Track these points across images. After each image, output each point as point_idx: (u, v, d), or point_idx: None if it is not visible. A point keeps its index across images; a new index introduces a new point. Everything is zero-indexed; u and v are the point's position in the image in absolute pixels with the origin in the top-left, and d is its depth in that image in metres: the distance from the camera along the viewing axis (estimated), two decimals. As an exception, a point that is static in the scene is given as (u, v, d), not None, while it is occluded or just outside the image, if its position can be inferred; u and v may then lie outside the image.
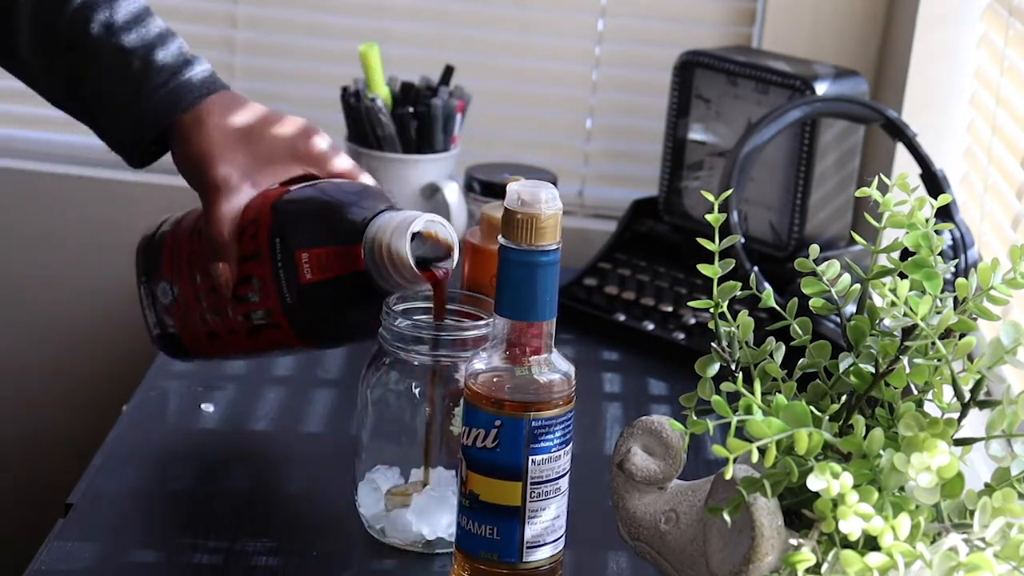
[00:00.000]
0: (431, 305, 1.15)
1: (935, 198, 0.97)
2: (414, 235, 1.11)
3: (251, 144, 1.16)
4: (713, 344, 0.98)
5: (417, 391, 1.13)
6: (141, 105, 1.15)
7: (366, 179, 1.19)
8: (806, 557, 0.84)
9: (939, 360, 0.89)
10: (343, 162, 1.19)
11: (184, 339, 1.22)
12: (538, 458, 1.03)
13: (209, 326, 1.19)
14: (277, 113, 1.19)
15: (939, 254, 0.92)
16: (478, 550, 1.05)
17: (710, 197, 0.99)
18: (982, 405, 0.90)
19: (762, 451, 0.84)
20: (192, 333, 1.21)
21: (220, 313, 1.18)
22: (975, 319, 0.90)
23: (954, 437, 0.89)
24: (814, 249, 0.97)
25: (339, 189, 1.16)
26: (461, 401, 1.05)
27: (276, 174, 1.17)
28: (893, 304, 0.89)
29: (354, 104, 1.60)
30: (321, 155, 1.18)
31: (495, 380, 1.03)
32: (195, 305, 1.19)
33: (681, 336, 1.53)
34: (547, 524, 1.05)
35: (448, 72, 1.65)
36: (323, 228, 1.13)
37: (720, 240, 0.98)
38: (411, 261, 1.10)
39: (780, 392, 0.94)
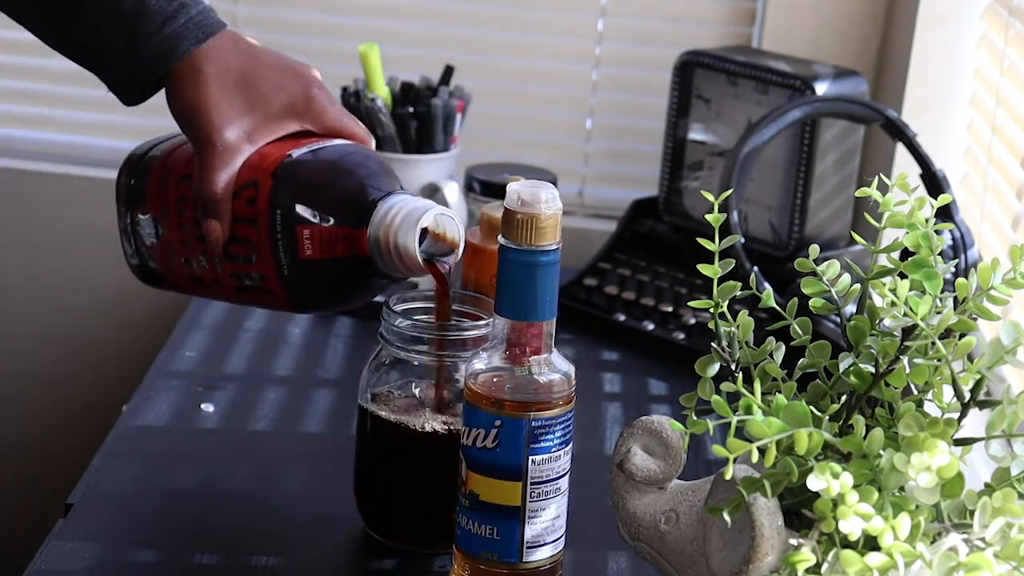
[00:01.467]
0: (432, 305, 1.15)
1: (935, 198, 0.97)
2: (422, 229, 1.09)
3: (250, 97, 1.12)
4: (713, 344, 0.98)
5: (417, 391, 1.14)
6: (135, 51, 1.10)
7: (363, 133, 1.15)
8: (806, 557, 0.84)
9: (939, 360, 0.89)
10: (342, 118, 1.15)
11: (165, 277, 1.18)
12: (538, 458, 1.03)
13: (194, 272, 1.15)
14: (278, 59, 1.14)
15: (939, 254, 0.92)
16: (478, 550, 1.05)
17: (710, 197, 0.99)
18: (982, 405, 0.90)
19: (762, 451, 0.84)
20: (175, 274, 1.17)
21: (208, 263, 1.14)
22: (975, 319, 0.90)
23: (954, 437, 0.89)
24: (814, 249, 0.97)
25: (344, 159, 1.12)
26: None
27: (274, 130, 1.12)
28: (893, 304, 0.89)
29: (354, 104, 1.60)
30: (321, 111, 1.14)
31: (495, 380, 1.03)
32: (180, 250, 1.15)
33: (681, 336, 1.53)
34: (547, 524, 1.05)
35: (448, 72, 1.65)
36: (327, 205, 1.09)
37: (720, 240, 0.98)
38: (418, 256, 1.08)
39: (780, 392, 0.94)
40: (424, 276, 1.11)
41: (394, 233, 1.08)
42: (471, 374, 1.04)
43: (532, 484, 1.04)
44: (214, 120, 1.10)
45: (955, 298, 0.91)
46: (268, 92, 1.12)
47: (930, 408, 0.91)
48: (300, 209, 1.09)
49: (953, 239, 1.38)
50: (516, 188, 1.01)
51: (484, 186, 1.61)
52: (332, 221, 1.09)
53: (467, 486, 1.05)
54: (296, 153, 1.11)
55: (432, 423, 1.12)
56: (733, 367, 0.97)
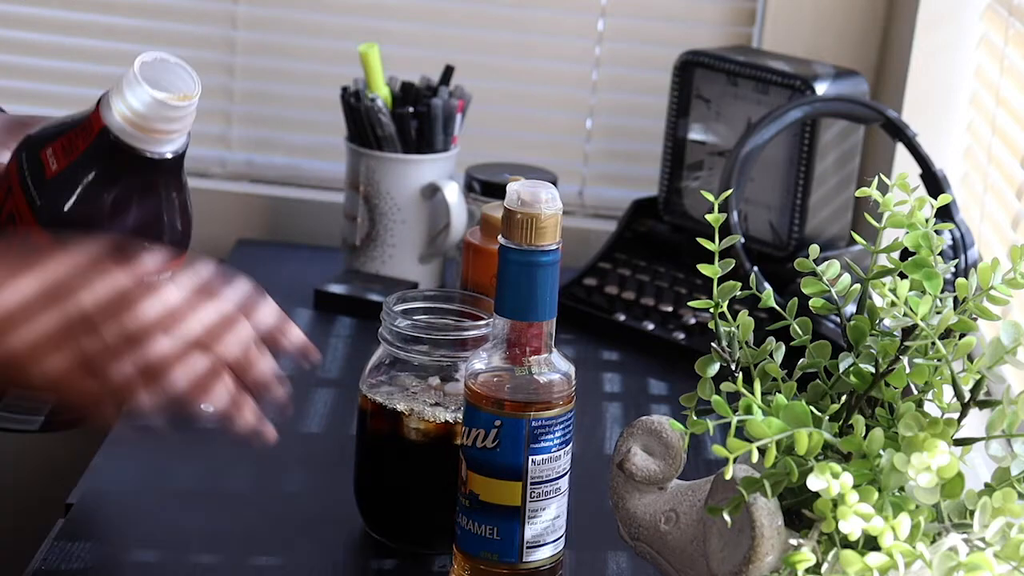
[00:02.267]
0: (433, 305, 1.15)
1: (935, 198, 0.97)
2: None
3: None
4: (713, 344, 0.98)
5: (417, 391, 1.13)
6: None
7: None
8: (806, 557, 0.84)
9: (939, 360, 0.90)
10: None
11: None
12: (538, 458, 1.03)
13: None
14: None
15: (939, 254, 0.92)
16: (478, 550, 1.05)
17: (710, 197, 0.99)
18: (982, 405, 0.90)
19: (762, 451, 0.84)
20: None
21: None
22: (975, 319, 0.90)
23: (954, 437, 0.89)
24: (814, 249, 0.97)
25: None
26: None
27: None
28: (893, 304, 0.89)
29: (354, 104, 1.60)
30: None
31: (495, 380, 1.03)
32: None
33: (681, 336, 1.53)
34: (547, 524, 1.05)
35: (448, 72, 1.65)
36: (57, 125, 1.07)
37: (720, 240, 0.98)
38: (156, 94, 1.01)
39: (780, 392, 0.94)
40: (180, 115, 1.03)
41: (123, 92, 1.02)
42: (471, 374, 1.04)
43: (532, 484, 1.04)
44: None
45: (955, 298, 0.91)
46: None
47: (930, 408, 0.91)
48: (36, 143, 1.06)
49: (953, 239, 1.38)
50: (516, 188, 1.01)
51: (484, 186, 1.61)
52: (67, 128, 1.06)
53: (467, 486, 1.05)
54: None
55: (433, 414, 1.12)
56: (733, 367, 0.97)
